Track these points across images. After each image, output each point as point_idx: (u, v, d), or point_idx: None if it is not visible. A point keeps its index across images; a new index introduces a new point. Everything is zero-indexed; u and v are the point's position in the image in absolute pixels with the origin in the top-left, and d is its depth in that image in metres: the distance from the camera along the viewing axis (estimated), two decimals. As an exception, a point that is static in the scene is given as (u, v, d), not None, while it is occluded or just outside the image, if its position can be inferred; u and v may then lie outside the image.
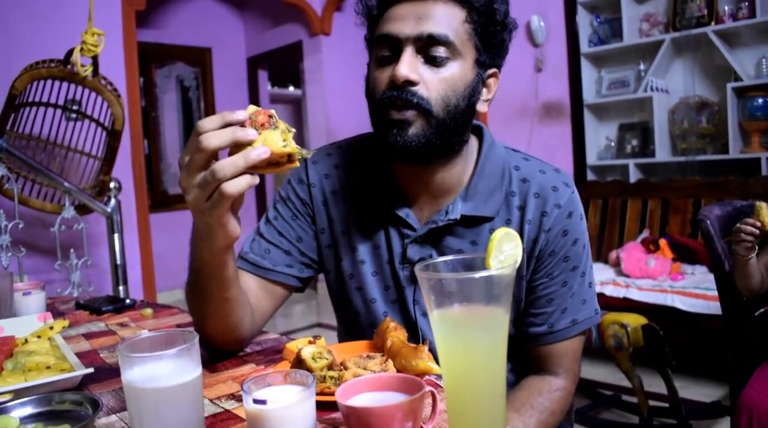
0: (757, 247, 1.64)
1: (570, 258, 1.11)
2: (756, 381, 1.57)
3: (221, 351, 1.12)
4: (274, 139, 0.79)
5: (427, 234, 1.11)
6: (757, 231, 1.61)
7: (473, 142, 1.15)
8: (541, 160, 1.18)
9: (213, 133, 0.79)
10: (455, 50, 1.01)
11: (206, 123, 0.80)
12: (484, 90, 1.09)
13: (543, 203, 1.10)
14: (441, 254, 1.11)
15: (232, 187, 0.79)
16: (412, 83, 0.99)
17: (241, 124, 0.80)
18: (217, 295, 0.99)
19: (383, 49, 1.03)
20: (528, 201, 1.10)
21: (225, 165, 0.79)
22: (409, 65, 0.99)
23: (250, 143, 0.79)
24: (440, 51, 1.00)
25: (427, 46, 1.00)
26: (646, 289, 3.12)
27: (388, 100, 1.00)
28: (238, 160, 0.78)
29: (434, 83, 1.00)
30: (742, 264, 1.66)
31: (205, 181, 0.80)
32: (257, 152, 0.78)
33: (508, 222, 1.11)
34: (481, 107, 1.09)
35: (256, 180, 0.81)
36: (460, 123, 1.05)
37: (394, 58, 1.02)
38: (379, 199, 1.15)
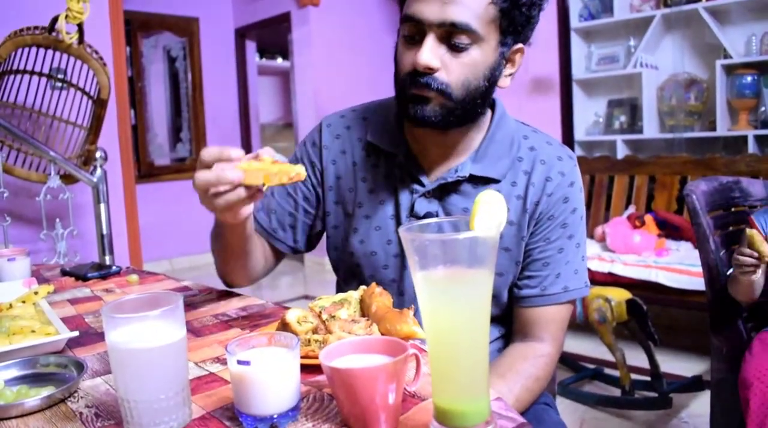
0: (762, 266, 1.59)
1: (568, 226, 1.15)
2: (759, 355, 1.55)
3: (237, 283, 1.28)
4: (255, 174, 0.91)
5: (435, 189, 1.15)
6: (756, 261, 1.56)
7: (487, 111, 1.18)
8: (548, 134, 1.22)
9: (200, 178, 0.90)
10: (477, 36, 1.02)
11: (205, 154, 0.91)
12: (508, 65, 1.11)
13: (548, 169, 1.14)
14: (446, 211, 1.16)
15: (220, 203, 0.92)
16: (433, 70, 1.02)
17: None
18: (238, 248, 1.14)
19: (408, 28, 1.04)
20: (534, 166, 1.15)
21: (218, 200, 0.92)
22: (431, 52, 1.01)
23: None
24: (462, 38, 1.01)
25: (449, 33, 1.01)
26: (631, 264, 3.14)
27: (410, 80, 1.04)
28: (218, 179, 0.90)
29: (455, 68, 1.03)
30: (746, 284, 1.62)
31: (207, 204, 0.94)
32: (230, 176, 0.89)
33: (513, 184, 1.15)
34: (502, 83, 1.12)
35: (243, 194, 0.91)
36: (479, 102, 1.09)
37: (419, 39, 1.03)
38: (389, 158, 1.20)
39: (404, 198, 1.18)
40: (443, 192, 1.16)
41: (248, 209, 0.96)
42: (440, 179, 1.15)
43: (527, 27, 1.08)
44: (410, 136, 1.20)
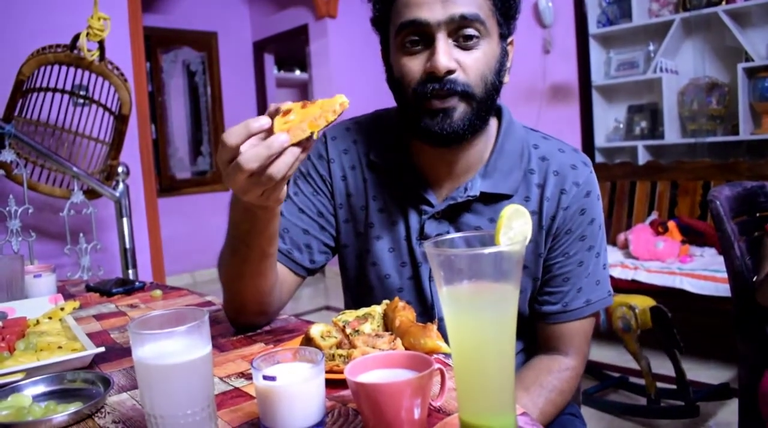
0: None
1: (586, 238, 1.11)
2: None
3: (248, 322, 1.15)
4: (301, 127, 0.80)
5: (445, 210, 1.11)
6: None
7: (493, 120, 1.15)
8: (560, 139, 1.18)
9: (251, 156, 0.79)
10: (485, 28, 1.00)
11: (231, 138, 0.79)
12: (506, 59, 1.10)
13: (562, 181, 1.10)
14: (458, 231, 1.11)
15: (282, 169, 0.80)
16: (452, 71, 0.99)
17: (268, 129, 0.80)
18: (262, 251, 0.99)
19: (409, 35, 1.01)
20: (547, 178, 1.10)
21: (278, 167, 0.80)
22: (447, 54, 0.98)
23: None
24: (472, 32, 0.99)
25: (458, 29, 0.99)
26: (655, 271, 3.11)
27: (430, 92, 1.00)
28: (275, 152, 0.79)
29: (471, 65, 1.01)
30: None
31: (260, 184, 0.81)
32: (279, 141, 0.79)
33: (527, 200, 1.10)
34: (505, 78, 1.09)
35: (297, 151, 0.81)
36: (493, 98, 1.06)
37: (424, 44, 1.01)
38: (397, 176, 1.15)
39: (413, 219, 1.14)
40: (453, 212, 1.12)
41: (284, 192, 0.88)
42: (449, 199, 1.11)
43: (515, 18, 1.07)
44: (416, 150, 1.15)
